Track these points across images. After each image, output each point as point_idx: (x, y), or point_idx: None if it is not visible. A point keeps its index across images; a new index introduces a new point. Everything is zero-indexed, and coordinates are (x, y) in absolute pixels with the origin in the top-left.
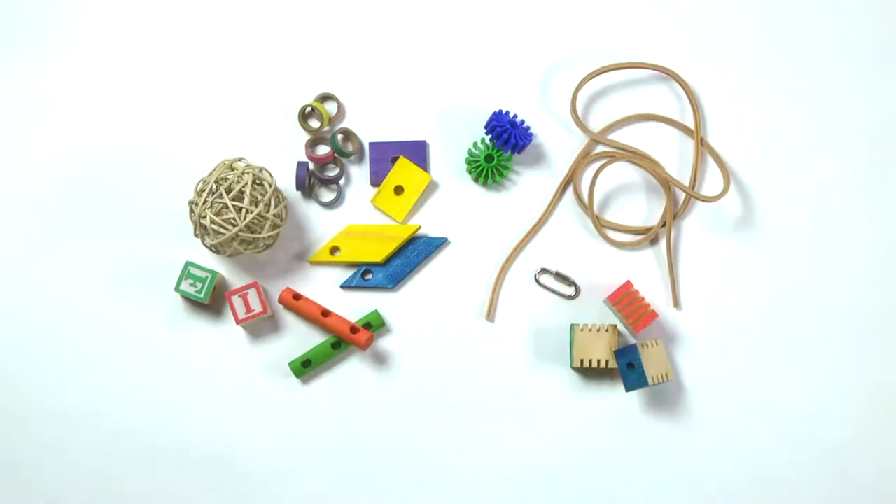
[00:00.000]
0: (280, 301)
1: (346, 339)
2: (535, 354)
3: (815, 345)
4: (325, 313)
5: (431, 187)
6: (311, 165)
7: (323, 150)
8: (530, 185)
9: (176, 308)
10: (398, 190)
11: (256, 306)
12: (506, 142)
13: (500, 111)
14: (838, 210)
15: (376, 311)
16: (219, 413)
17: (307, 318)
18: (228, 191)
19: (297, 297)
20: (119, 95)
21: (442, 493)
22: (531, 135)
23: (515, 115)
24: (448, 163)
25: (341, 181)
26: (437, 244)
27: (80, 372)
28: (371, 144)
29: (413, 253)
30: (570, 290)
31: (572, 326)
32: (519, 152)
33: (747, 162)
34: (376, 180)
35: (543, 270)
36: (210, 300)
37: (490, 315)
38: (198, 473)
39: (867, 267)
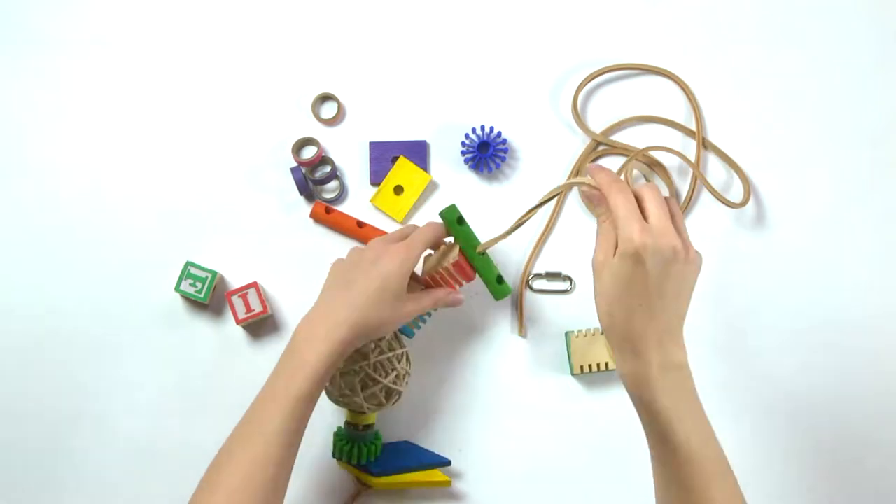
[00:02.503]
0: (312, 216)
1: None
2: (536, 363)
3: (814, 345)
4: (361, 224)
5: (431, 187)
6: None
7: (310, 151)
8: (530, 186)
9: (176, 308)
10: (398, 190)
11: (256, 306)
12: (477, 166)
13: (473, 129)
14: (838, 210)
15: None
16: (219, 413)
17: (341, 230)
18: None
19: (328, 210)
20: (117, 96)
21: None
22: (505, 152)
23: (491, 129)
24: (448, 163)
25: (339, 174)
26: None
27: (79, 372)
28: (371, 144)
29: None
30: (566, 285)
31: (567, 334)
32: (491, 170)
33: (748, 162)
34: (376, 180)
35: (535, 276)
36: (210, 300)
37: (522, 331)
38: (198, 474)
39: (866, 267)
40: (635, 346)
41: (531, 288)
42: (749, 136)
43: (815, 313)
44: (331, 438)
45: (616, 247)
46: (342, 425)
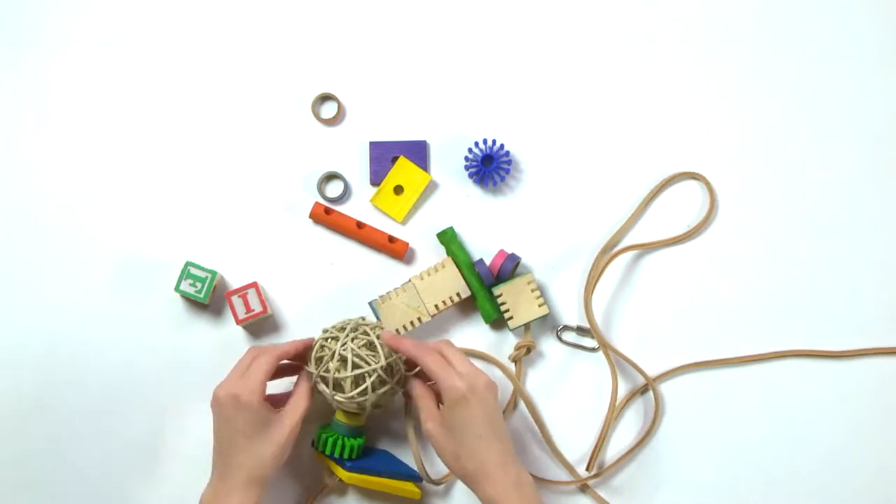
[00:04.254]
0: (311, 216)
1: (383, 250)
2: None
3: (813, 347)
4: (360, 225)
5: (431, 187)
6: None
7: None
8: (531, 185)
9: (176, 308)
10: (398, 190)
11: (256, 306)
12: (481, 180)
13: (476, 143)
14: (838, 211)
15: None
16: None
17: (341, 230)
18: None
19: (328, 211)
20: (116, 95)
21: None
22: (508, 164)
23: (493, 143)
24: (448, 163)
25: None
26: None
27: (79, 372)
28: (371, 144)
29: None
30: (594, 343)
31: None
32: (496, 184)
33: (749, 162)
34: (376, 180)
35: (565, 327)
36: (210, 300)
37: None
38: (198, 475)
39: (866, 267)
40: (487, 473)
41: (560, 339)
42: (749, 135)
43: (815, 312)
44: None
45: (439, 408)
46: (329, 422)
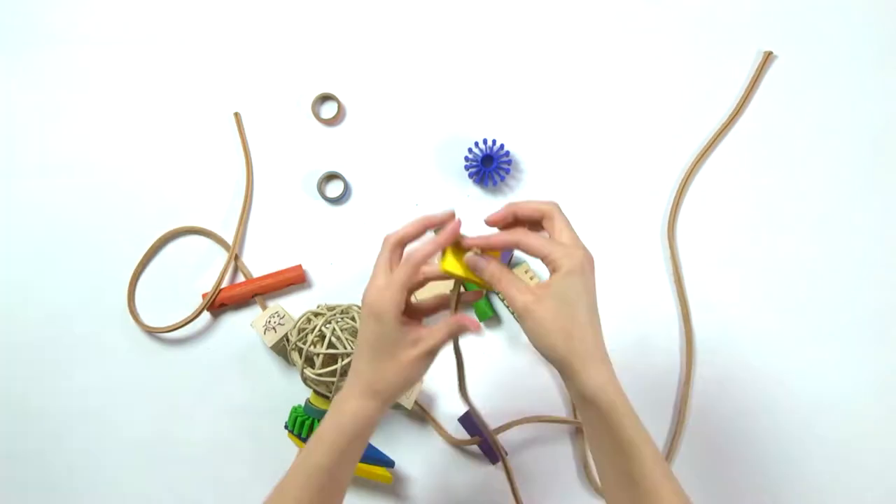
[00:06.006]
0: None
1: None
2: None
3: (814, 346)
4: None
5: (431, 187)
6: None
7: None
8: (531, 185)
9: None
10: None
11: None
12: (481, 180)
13: (476, 143)
14: (839, 210)
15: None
16: (218, 414)
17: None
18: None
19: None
20: (116, 95)
21: None
22: (508, 164)
23: (493, 143)
24: (448, 163)
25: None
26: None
27: (79, 371)
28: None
29: None
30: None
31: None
32: (496, 184)
33: (749, 162)
34: None
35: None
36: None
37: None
38: (198, 475)
39: (867, 267)
40: (602, 354)
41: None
42: (748, 136)
43: (815, 311)
44: (282, 412)
45: (538, 284)
46: (303, 403)
